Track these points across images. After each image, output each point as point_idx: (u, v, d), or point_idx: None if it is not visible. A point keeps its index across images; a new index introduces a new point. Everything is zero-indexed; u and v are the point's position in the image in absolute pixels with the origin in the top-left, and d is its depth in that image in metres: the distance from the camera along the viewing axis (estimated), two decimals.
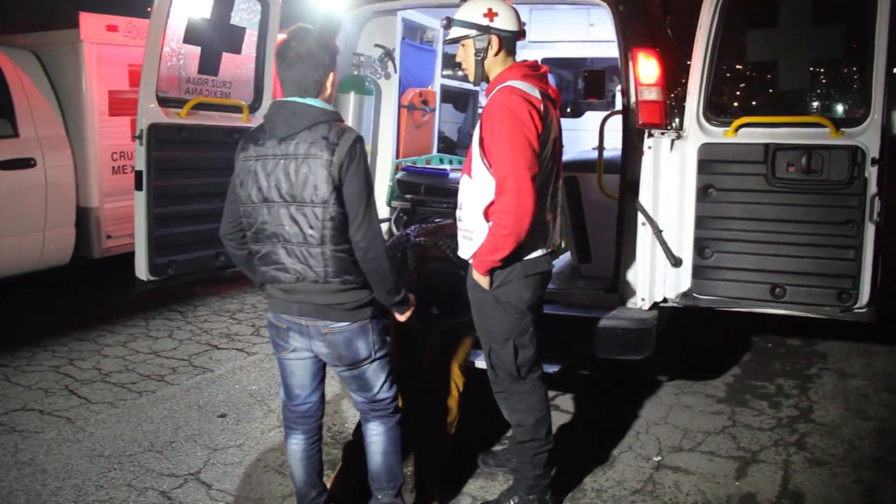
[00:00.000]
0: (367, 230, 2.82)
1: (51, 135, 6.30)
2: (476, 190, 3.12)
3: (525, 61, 3.22)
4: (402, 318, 3.11)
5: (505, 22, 3.16)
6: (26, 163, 6.07)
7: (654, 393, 4.97)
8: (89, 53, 6.42)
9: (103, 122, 6.58)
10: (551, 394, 4.81)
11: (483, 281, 3.16)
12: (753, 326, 6.21)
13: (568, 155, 5.49)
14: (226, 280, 7.43)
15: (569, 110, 8.07)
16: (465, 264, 3.32)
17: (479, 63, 3.19)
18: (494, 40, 3.16)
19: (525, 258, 3.14)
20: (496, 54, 3.18)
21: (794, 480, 3.89)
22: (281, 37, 2.95)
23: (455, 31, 3.23)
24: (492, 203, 3.04)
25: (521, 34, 3.23)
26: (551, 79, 3.57)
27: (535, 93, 3.03)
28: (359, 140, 2.82)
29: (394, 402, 3.20)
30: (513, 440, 3.49)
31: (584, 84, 7.86)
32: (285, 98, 2.87)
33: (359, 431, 3.54)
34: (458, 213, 3.28)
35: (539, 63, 3.25)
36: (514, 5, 3.23)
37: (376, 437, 3.20)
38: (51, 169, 6.25)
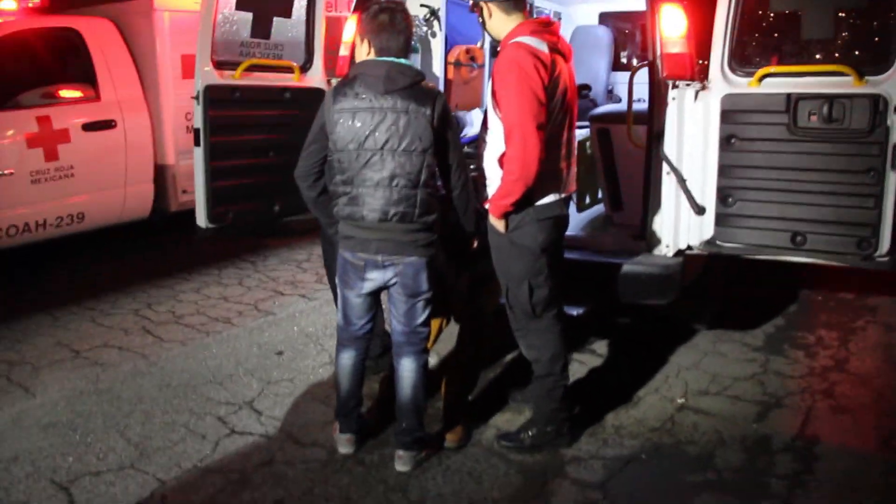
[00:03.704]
0: (461, 174, 3.42)
1: (129, 97, 6.76)
2: (491, 140, 3.33)
3: (538, 17, 3.39)
4: (474, 244, 3.67)
5: None
6: (108, 124, 6.54)
7: (691, 340, 5.06)
8: (162, 20, 6.80)
9: (177, 85, 6.94)
10: (588, 339, 5.02)
11: (499, 224, 3.38)
12: (805, 280, 6.11)
13: (600, 108, 5.59)
14: (295, 232, 7.82)
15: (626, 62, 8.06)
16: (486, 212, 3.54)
17: (482, 27, 3.42)
18: (485, 7, 3.38)
19: (538, 203, 3.35)
20: (490, 18, 3.39)
21: (813, 425, 3.97)
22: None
23: None
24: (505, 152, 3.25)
25: None
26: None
27: (543, 47, 3.20)
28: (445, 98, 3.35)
29: (426, 340, 3.56)
30: (533, 376, 3.73)
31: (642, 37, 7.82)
32: (381, 59, 3.27)
33: (392, 369, 3.85)
34: (477, 163, 3.50)
35: (551, 19, 3.41)
36: None
37: (408, 372, 3.54)
38: (130, 129, 6.69)
